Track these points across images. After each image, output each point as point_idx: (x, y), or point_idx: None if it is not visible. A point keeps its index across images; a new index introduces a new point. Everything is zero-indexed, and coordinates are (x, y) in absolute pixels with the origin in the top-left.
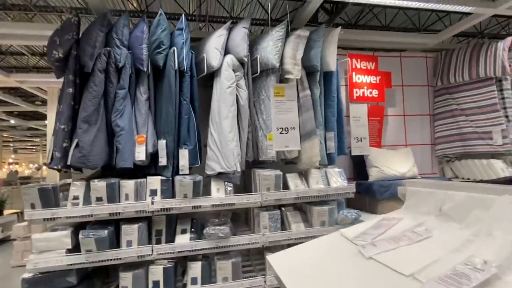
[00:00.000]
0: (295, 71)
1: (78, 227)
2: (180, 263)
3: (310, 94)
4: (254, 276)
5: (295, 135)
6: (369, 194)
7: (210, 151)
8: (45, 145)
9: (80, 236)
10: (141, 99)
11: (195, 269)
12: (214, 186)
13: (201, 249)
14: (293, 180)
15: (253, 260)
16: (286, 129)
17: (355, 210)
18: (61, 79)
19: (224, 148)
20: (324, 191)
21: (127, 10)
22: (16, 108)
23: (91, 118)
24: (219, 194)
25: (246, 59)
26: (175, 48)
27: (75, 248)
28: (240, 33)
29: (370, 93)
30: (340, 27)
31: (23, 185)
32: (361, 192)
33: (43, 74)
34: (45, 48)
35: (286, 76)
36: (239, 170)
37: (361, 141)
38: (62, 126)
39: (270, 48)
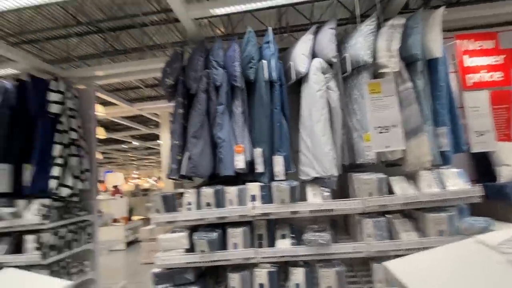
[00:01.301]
0: (391, 64)
1: (192, 229)
2: (281, 267)
3: (412, 86)
4: None
5: (397, 133)
6: (501, 199)
7: (303, 157)
8: (160, 161)
9: (195, 237)
10: (237, 112)
11: (298, 275)
12: (310, 191)
13: (302, 255)
14: (399, 184)
15: (357, 271)
16: (386, 128)
17: (484, 218)
18: (172, 103)
19: (318, 152)
20: (439, 195)
21: (218, 36)
22: (137, 132)
23: (198, 133)
24: (315, 199)
25: (335, 60)
26: (264, 61)
27: (191, 248)
28: (327, 35)
29: (491, 76)
30: (443, 6)
31: (144, 196)
32: (489, 196)
33: (156, 101)
34: (155, 80)
35: (381, 71)
36: (335, 174)
37: (483, 135)
38: (176, 142)
39: (360, 44)
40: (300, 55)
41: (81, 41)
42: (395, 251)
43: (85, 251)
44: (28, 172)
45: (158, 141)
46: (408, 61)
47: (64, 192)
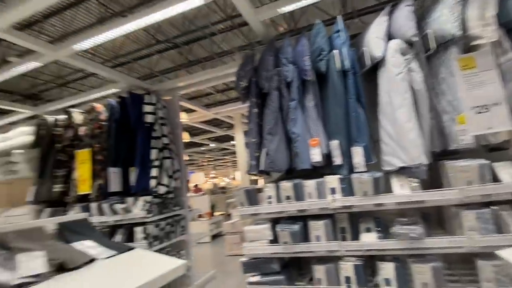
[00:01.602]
0: (487, 33)
1: (274, 221)
2: (367, 262)
3: None
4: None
5: (501, 112)
6: None
7: (384, 146)
8: (234, 161)
9: (277, 229)
10: (309, 106)
11: (387, 270)
12: (396, 182)
13: (390, 249)
14: (506, 170)
15: (455, 269)
16: (486, 107)
17: None
18: (246, 104)
19: (402, 140)
20: None
21: (286, 33)
22: (213, 134)
23: (273, 130)
24: (403, 190)
25: (415, 39)
26: (335, 51)
27: (275, 239)
28: (404, 13)
29: None
30: None
31: (222, 194)
32: None
33: (227, 105)
34: (224, 85)
35: (475, 43)
36: (425, 162)
37: None
38: (253, 140)
39: (445, 16)
40: (374, 39)
41: (161, 58)
42: (505, 247)
43: (180, 241)
44: (133, 174)
45: (232, 141)
46: (509, 26)
47: (162, 189)
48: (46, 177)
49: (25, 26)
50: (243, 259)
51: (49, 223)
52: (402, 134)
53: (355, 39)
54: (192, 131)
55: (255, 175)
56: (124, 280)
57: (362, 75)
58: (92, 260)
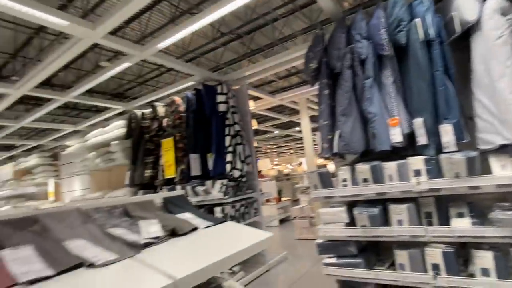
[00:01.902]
0: None
1: (349, 205)
2: (458, 250)
3: None
4: None
5: None
6: None
7: (481, 122)
8: (298, 148)
9: (355, 212)
10: (387, 83)
11: (485, 259)
12: (495, 162)
13: (489, 237)
14: None
15: None
16: None
17: None
18: (315, 86)
19: (505, 114)
20: None
21: (350, 7)
22: (277, 121)
23: (347, 111)
24: (505, 171)
25: None
26: (417, 20)
27: (351, 223)
28: None
29: None
30: None
31: (287, 180)
32: None
33: (289, 91)
34: (287, 71)
35: None
36: None
37: None
38: (325, 122)
39: None
40: (466, 1)
41: (225, 50)
42: None
43: (254, 223)
44: (210, 159)
45: (296, 128)
46: None
47: (236, 173)
48: (138, 164)
49: (111, 33)
50: (318, 240)
51: (157, 197)
52: (504, 108)
53: (440, 4)
54: (257, 118)
55: (327, 158)
56: (227, 245)
57: (449, 44)
58: (195, 229)
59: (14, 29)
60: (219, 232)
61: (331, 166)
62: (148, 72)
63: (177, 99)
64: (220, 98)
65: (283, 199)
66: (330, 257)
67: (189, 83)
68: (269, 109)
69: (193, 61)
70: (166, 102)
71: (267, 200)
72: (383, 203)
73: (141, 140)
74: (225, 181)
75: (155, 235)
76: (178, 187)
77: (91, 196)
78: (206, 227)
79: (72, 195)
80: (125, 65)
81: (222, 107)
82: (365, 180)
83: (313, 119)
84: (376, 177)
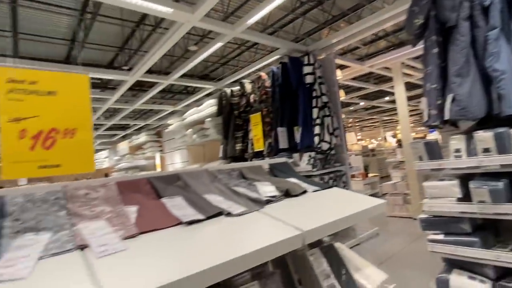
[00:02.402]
0: None
1: (462, 178)
2: None
3: None
4: None
5: None
6: None
7: None
8: (385, 121)
9: (472, 186)
10: None
11: None
12: None
13: None
14: None
15: None
16: None
17: None
18: (416, 47)
19: None
20: None
21: None
22: (362, 92)
23: (463, 70)
24: None
25: None
26: None
27: (464, 198)
28: None
29: None
30: None
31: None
32: None
33: (377, 57)
34: (373, 35)
35: None
36: None
37: None
38: (433, 86)
39: None
40: None
41: (304, 20)
42: None
43: None
44: (297, 132)
45: (386, 98)
46: None
47: (324, 146)
48: (229, 139)
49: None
50: (422, 215)
51: (264, 163)
52: None
53: None
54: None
55: (434, 127)
56: (342, 206)
57: None
58: (305, 191)
59: (121, 25)
60: (330, 196)
61: (432, 138)
62: (230, 52)
63: (263, 74)
64: (306, 69)
65: (369, 175)
66: (436, 234)
67: (275, 57)
68: (353, 79)
69: (273, 36)
70: (252, 79)
71: (353, 176)
72: (508, 176)
73: (231, 116)
74: (313, 153)
75: (272, 194)
76: (267, 159)
77: (190, 168)
78: (314, 191)
79: (174, 166)
80: (218, 45)
81: (309, 79)
82: (486, 150)
83: (408, 86)
84: (501, 146)
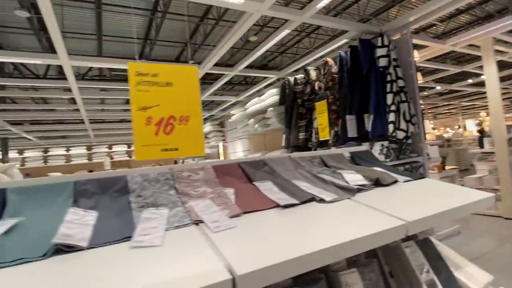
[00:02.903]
0: None
1: None
2: None
3: None
4: None
5: None
6: None
7: None
8: (463, 107)
9: None
10: None
11: None
12: None
13: None
14: None
15: None
16: None
17: None
18: (498, 25)
19: None
20: None
21: None
22: (439, 75)
23: None
24: None
25: None
26: None
27: None
28: None
29: None
30: None
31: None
32: None
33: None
34: (456, 10)
35: None
36: None
37: None
38: None
39: None
40: None
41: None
42: None
43: None
44: (368, 120)
45: (469, 80)
46: None
47: (400, 134)
48: (292, 127)
49: None
50: None
51: (345, 151)
52: None
53: None
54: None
55: None
56: (442, 198)
57: None
58: (395, 181)
59: (187, 21)
60: (424, 186)
61: None
62: (289, 40)
63: (329, 60)
64: (380, 51)
65: (447, 167)
66: None
67: (342, 41)
68: (427, 60)
69: (337, 17)
70: (317, 65)
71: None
72: None
73: (294, 105)
74: (385, 142)
75: (361, 183)
76: (333, 149)
77: (252, 157)
78: (405, 181)
79: (236, 155)
80: (285, 32)
81: (382, 62)
82: None
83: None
84: None
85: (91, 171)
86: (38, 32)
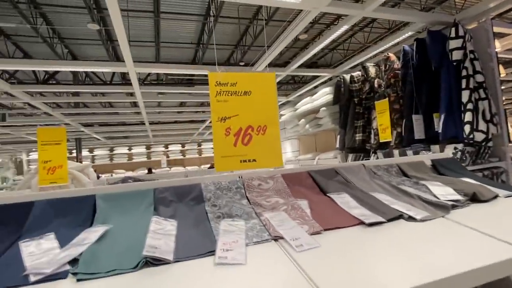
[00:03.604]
0: None
1: None
2: None
3: None
4: None
5: None
6: None
7: None
8: None
9: None
10: None
11: None
12: None
13: None
14: None
15: None
16: None
17: None
18: None
19: None
20: None
21: None
22: None
23: None
24: None
25: None
26: None
27: None
28: None
29: None
30: None
31: None
32: None
33: None
34: None
35: None
36: None
37: None
38: None
39: None
40: None
41: None
42: None
43: None
44: (438, 120)
45: None
46: None
47: (479, 136)
48: (347, 128)
49: None
50: None
51: (426, 159)
52: None
53: None
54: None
55: None
56: None
57: None
58: (495, 196)
59: (237, 23)
60: None
61: None
62: (340, 36)
63: (391, 55)
64: (453, 43)
65: None
66: None
67: (406, 34)
68: (507, 50)
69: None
70: (376, 62)
71: None
72: None
73: (350, 104)
74: (459, 145)
75: (454, 198)
76: (396, 151)
77: (303, 157)
78: (506, 196)
79: (285, 156)
80: (343, 28)
81: (456, 55)
82: None
83: None
84: None
85: (150, 169)
86: (105, 42)
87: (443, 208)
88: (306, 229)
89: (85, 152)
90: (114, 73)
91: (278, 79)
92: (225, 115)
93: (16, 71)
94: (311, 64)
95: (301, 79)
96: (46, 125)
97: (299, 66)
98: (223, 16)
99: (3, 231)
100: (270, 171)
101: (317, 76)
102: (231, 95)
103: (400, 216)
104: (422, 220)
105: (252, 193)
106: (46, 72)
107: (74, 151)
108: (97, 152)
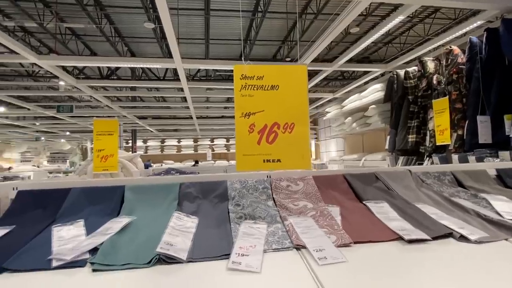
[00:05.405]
0: None
1: None
2: None
3: None
4: None
5: None
6: None
7: None
8: None
9: None
10: None
11: None
12: None
13: None
14: None
15: None
16: None
17: None
18: None
19: None
20: None
21: None
22: None
23: None
24: None
25: None
26: None
27: None
28: None
29: None
30: None
31: None
32: None
33: None
34: None
35: None
36: None
37: None
38: None
39: None
40: None
41: None
42: None
43: None
44: (509, 123)
45: None
46: None
47: None
48: (399, 128)
49: None
50: None
51: (489, 167)
52: None
53: None
54: None
55: None
56: None
57: None
58: None
59: (285, 18)
60: None
61: None
62: (397, 29)
63: (455, 48)
64: None
65: None
66: None
67: (474, 24)
68: None
69: None
70: (435, 56)
71: None
72: None
73: (403, 102)
74: None
75: None
76: (456, 156)
77: (348, 158)
78: None
79: (329, 155)
80: (399, 18)
81: None
82: None
83: None
84: None
85: (196, 161)
86: (160, 40)
87: (507, 228)
88: (333, 240)
89: (139, 143)
90: (167, 69)
91: (324, 75)
92: (249, 111)
93: (84, 67)
94: (362, 59)
95: (351, 75)
96: (106, 117)
97: (349, 61)
98: (270, 12)
99: (41, 214)
100: (301, 172)
101: (368, 72)
102: (257, 89)
103: (449, 234)
104: (477, 242)
105: (279, 195)
106: (109, 68)
107: (130, 141)
108: (150, 143)
